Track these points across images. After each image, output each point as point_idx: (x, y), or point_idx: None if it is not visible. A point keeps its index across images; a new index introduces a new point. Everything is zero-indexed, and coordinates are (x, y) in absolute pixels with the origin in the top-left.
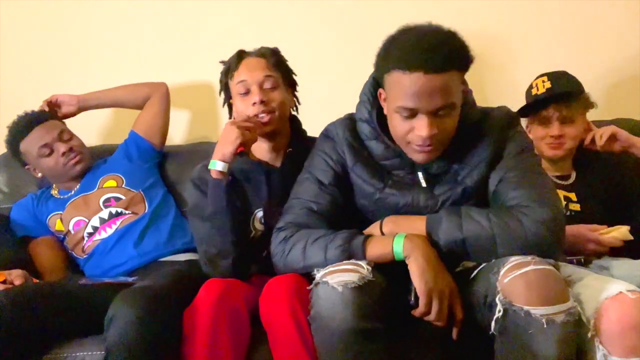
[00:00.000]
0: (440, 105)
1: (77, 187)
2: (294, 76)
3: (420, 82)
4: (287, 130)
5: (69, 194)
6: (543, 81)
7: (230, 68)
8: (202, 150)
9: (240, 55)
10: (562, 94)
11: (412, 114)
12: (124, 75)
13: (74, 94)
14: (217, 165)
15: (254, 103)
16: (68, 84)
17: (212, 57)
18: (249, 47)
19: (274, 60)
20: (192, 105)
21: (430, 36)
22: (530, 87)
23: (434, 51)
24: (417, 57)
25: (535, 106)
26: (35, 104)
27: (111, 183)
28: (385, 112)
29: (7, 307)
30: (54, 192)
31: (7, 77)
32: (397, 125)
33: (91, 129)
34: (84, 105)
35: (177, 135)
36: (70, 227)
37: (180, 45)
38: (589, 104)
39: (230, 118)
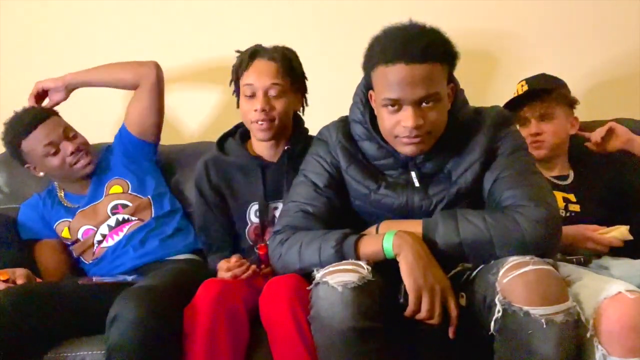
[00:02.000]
0: (423, 95)
1: (86, 194)
2: (305, 80)
3: (403, 73)
4: (288, 131)
5: (79, 205)
6: (522, 85)
7: (241, 65)
8: (204, 150)
9: (254, 54)
10: (533, 91)
11: (397, 105)
12: None
13: (59, 77)
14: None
15: (256, 110)
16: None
17: (213, 56)
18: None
19: (286, 66)
20: (195, 104)
21: (410, 29)
22: (513, 93)
23: (413, 42)
24: (398, 49)
25: (512, 108)
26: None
27: (117, 189)
28: (375, 110)
29: (7, 307)
30: (60, 194)
31: (7, 77)
32: (385, 119)
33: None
34: (71, 87)
35: (177, 134)
36: (80, 236)
37: (184, 44)
38: (567, 99)
39: (237, 107)
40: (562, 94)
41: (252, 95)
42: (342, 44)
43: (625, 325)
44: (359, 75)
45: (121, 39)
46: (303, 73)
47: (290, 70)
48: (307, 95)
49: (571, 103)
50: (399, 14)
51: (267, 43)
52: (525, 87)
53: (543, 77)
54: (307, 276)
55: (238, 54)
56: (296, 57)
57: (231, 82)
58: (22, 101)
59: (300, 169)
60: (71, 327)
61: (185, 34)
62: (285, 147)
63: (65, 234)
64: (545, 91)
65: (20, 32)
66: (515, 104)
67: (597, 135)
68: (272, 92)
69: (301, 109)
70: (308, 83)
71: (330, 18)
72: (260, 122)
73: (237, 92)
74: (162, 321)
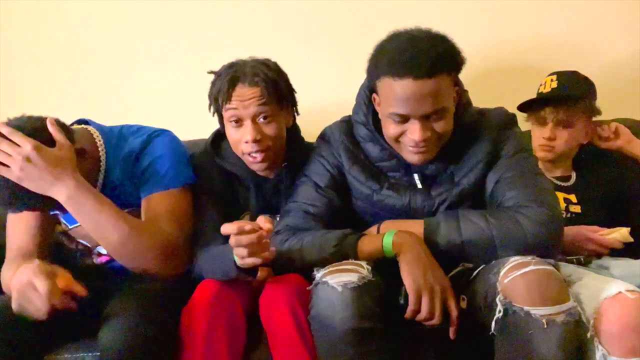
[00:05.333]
0: (431, 110)
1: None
2: (294, 94)
3: (410, 88)
4: (283, 149)
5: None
6: (552, 80)
7: (220, 93)
8: None
9: (232, 81)
10: (560, 97)
11: (404, 119)
12: (121, 72)
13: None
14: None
15: (247, 141)
16: (69, 83)
17: (205, 54)
18: (244, 52)
19: (270, 88)
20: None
21: (418, 41)
22: (540, 84)
23: (422, 56)
24: (406, 63)
25: (535, 104)
26: (35, 103)
27: None
28: (379, 115)
29: (5, 310)
30: None
31: (6, 76)
32: (390, 129)
33: None
34: None
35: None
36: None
37: (172, 44)
38: (592, 110)
39: (220, 125)
40: (588, 104)
41: (239, 121)
42: (347, 44)
43: (626, 326)
44: (359, 76)
45: (124, 39)
46: (290, 88)
47: (276, 91)
48: (297, 106)
49: (593, 114)
50: (405, 16)
51: (267, 46)
52: (554, 84)
53: (575, 78)
54: (307, 276)
55: (213, 75)
56: (278, 72)
57: (210, 107)
58: (23, 101)
59: (303, 169)
60: (71, 328)
61: (181, 35)
62: (283, 164)
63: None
64: (572, 98)
65: (21, 32)
66: (539, 101)
67: (606, 130)
68: (262, 117)
69: (293, 120)
70: (307, 86)
71: (333, 17)
72: (253, 155)
73: (219, 118)
74: (155, 323)
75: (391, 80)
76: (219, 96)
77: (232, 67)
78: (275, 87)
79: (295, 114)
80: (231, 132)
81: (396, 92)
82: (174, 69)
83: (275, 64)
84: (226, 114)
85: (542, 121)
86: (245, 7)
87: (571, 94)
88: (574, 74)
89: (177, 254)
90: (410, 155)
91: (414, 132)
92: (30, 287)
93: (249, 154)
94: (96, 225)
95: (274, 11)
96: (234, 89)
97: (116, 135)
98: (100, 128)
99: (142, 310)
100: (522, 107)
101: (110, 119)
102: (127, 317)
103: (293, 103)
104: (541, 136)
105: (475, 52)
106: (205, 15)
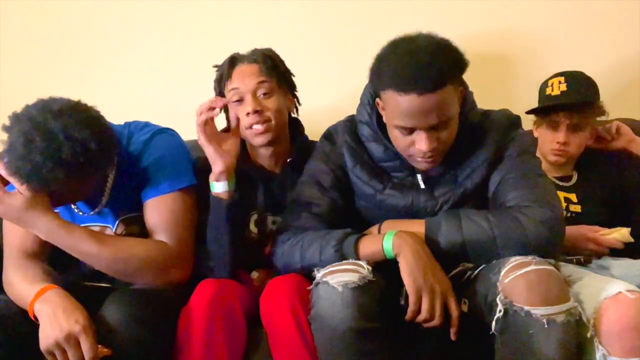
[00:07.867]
0: (436, 122)
1: (97, 209)
2: (292, 77)
3: (416, 103)
4: (286, 136)
5: (85, 214)
6: (559, 82)
7: (222, 76)
8: None
9: (233, 61)
10: (578, 102)
11: (411, 130)
12: (123, 71)
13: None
14: (216, 187)
15: (248, 113)
16: (69, 81)
17: (204, 56)
18: (247, 49)
19: (268, 64)
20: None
21: (422, 53)
22: (545, 84)
23: (425, 70)
24: (409, 79)
25: (546, 107)
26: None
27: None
28: (384, 120)
29: (6, 311)
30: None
31: (6, 75)
32: (398, 140)
33: None
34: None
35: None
36: None
37: (177, 44)
38: (601, 112)
39: (227, 126)
40: (600, 107)
41: (240, 100)
42: (351, 44)
43: (626, 325)
44: (363, 76)
45: (126, 36)
46: (288, 70)
47: (274, 69)
48: (297, 94)
49: (601, 115)
50: (408, 16)
51: (275, 43)
52: (563, 86)
53: (583, 80)
54: (308, 276)
55: (216, 69)
56: (277, 55)
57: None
58: (23, 100)
59: (305, 168)
60: None
61: (183, 34)
62: (288, 160)
63: None
64: (587, 104)
65: (21, 31)
66: (552, 106)
67: (608, 132)
68: (261, 92)
69: (294, 110)
70: (311, 86)
71: (337, 17)
72: (255, 126)
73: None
74: (150, 323)
75: (396, 94)
76: (222, 78)
77: (233, 55)
78: (273, 65)
79: (297, 103)
80: (234, 111)
81: (401, 106)
82: (176, 68)
83: (274, 51)
84: (229, 95)
85: (554, 125)
86: (250, 6)
87: (586, 99)
88: (582, 76)
89: (176, 263)
90: (418, 164)
91: (420, 142)
92: (73, 341)
93: (251, 126)
94: (80, 256)
95: (279, 11)
96: (233, 68)
97: (126, 136)
98: (112, 128)
99: (136, 310)
100: (531, 110)
101: (110, 119)
102: (122, 315)
103: (292, 87)
104: (554, 141)
105: (477, 52)
106: (210, 14)
